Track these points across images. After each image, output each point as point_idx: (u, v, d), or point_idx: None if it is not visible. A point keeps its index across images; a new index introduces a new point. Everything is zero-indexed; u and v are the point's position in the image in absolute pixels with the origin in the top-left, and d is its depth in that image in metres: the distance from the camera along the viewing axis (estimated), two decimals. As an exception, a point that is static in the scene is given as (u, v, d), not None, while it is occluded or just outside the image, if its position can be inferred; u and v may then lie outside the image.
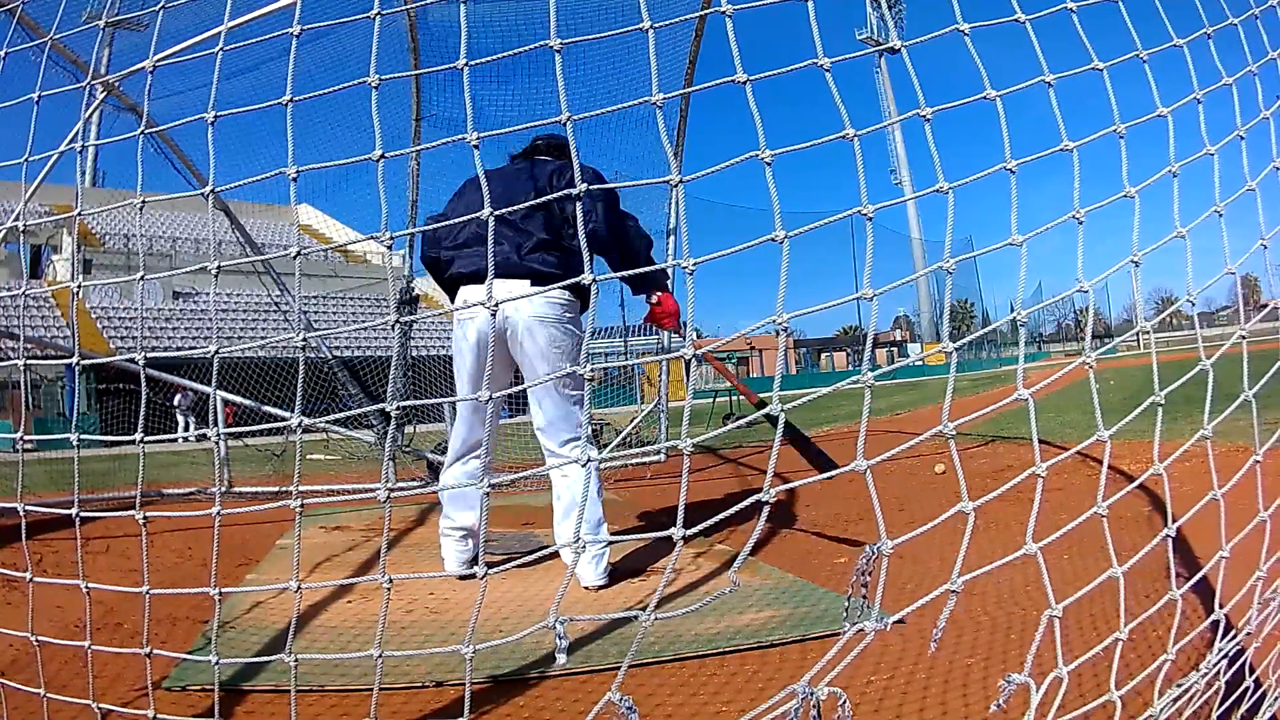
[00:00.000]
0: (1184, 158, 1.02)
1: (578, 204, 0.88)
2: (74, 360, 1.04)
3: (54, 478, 6.06)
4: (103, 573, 2.82)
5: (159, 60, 1.08)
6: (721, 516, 0.92)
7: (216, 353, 0.91)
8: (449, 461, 2.64)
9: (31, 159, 1.13)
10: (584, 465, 0.90)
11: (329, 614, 2.31)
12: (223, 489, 4.88)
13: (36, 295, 21.63)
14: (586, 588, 2.45)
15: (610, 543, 2.47)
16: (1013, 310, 0.94)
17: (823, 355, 43.68)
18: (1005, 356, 40.74)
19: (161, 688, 1.72)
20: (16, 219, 1.17)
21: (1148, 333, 1.01)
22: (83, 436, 1.08)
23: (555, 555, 2.61)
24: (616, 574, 2.55)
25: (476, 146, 0.89)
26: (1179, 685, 0.98)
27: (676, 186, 0.84)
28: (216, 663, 0.99)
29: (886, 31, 51.82)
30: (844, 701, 0.78)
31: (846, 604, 0.84)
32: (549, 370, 2.45)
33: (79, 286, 1.01)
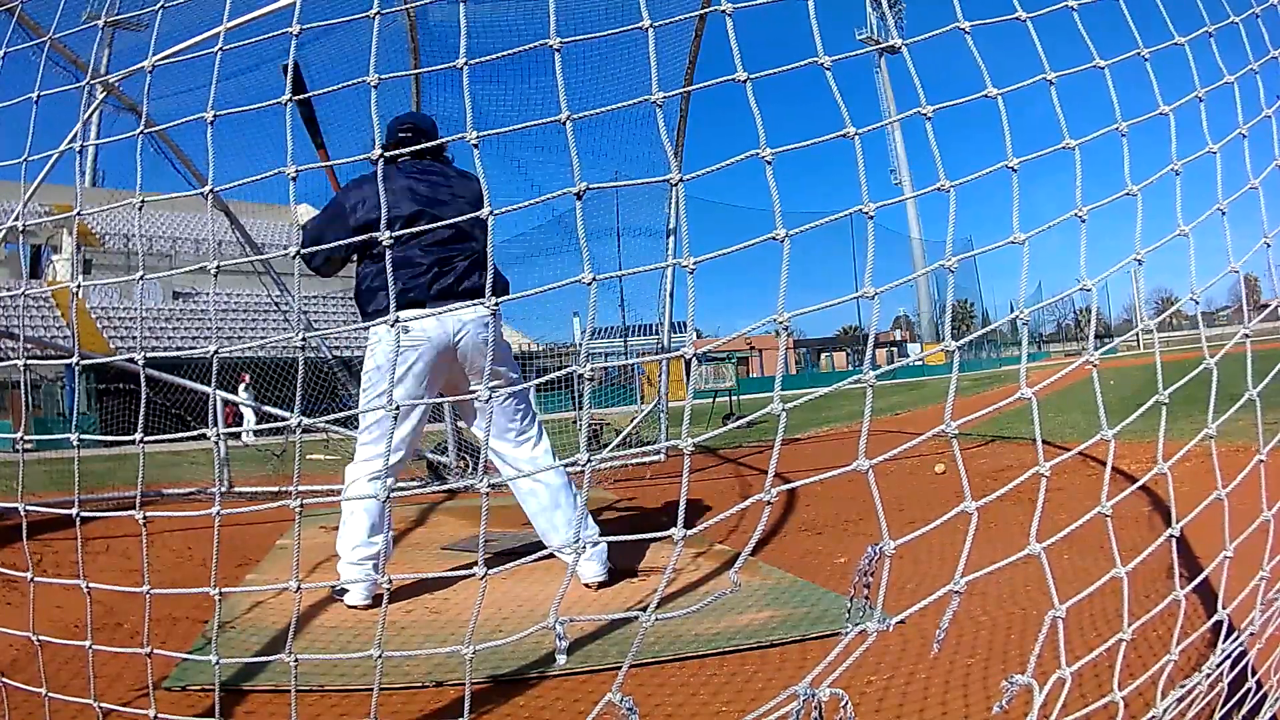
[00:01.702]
0: (1185, 156, 1.02)
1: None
2: (74, 360, 1.04)
3: (54, 478, 6.06)
4: (102, 573, 2.82)
5: (158, 60, 1.07)
6: (723, 516, 0.92)
7: (215, 353, 0.90)
8: (361, 474, 2.44)
9: (31, 159, 1.13)
10: (584, 465, 0.89)
11: (329, 614, 2.30)
12: (223, 489, 4.88)
13: (36, 295, 21.62)
14: (588, 584, 2.43)
15: (606, 541, 2.46)
16: (1013, 310, 0.93)
17: (822, 355, 43.67)
18: (1005, 356, 40.72)
19: (161, 688, 1.72)
20: (16, 219, 1.16)
21: (1150, 332, 1.01)
22: (83, 437, 1.08)
23: (555, 555, 2.59)
24: (616, 574, 2.55)
25: (476, 146, 0.89)
26: (1182, 686, 0.97)
27: (677, 185, 0.83)
28: (217, 662, 0.98)
29: (886, 31, 51.84)
30: (846, 703, 0.78)
31: (849, 605, 0.83)
32: (494, 381, 2.50)
33: (79, 286, 1.00)
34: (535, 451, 2.55)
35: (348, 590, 2.36)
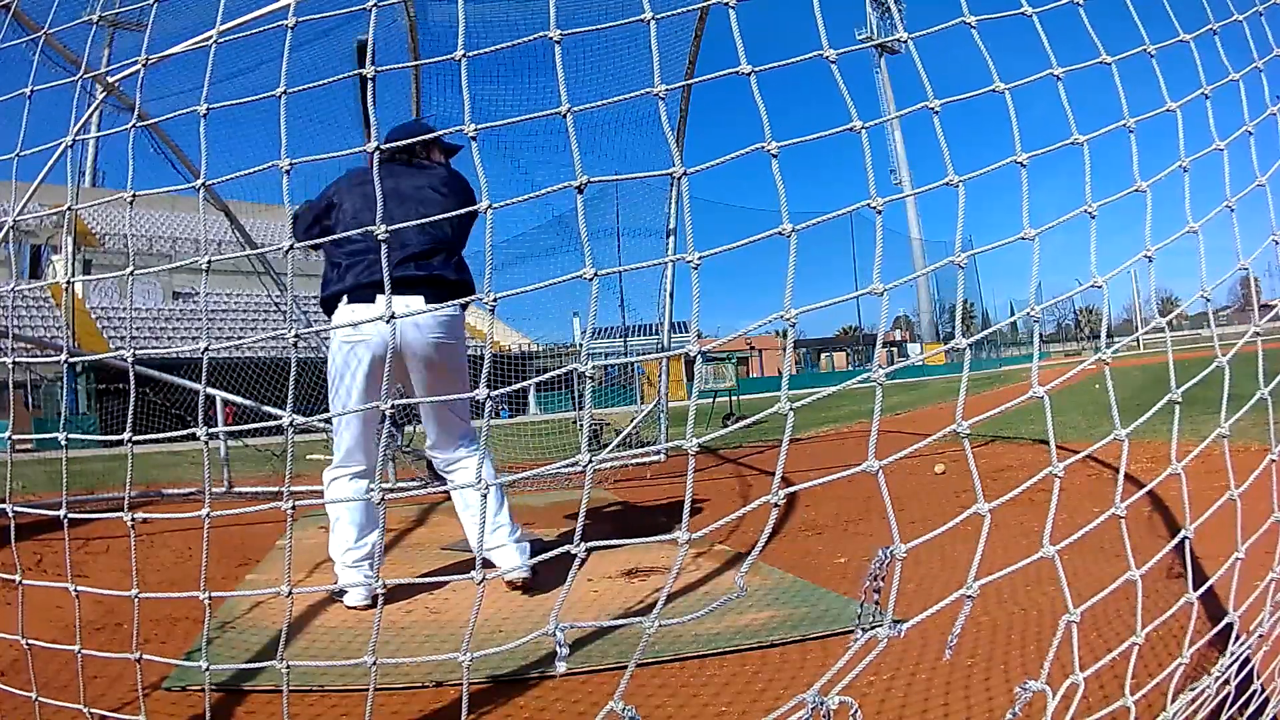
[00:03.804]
0: (1192, 154, 1.01)
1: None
2: (63, 358, 1.03)
3: (53, 478, 6.06)
4: (103, 573, 2.82)
5: (154, 59, 1.07)
6: (729, 519, 0.91)
7: (206, 349, 0.90)
8: (337, 475, 2.45)
9: (23, 154, 1.12)
10: (584, 465, 0.88)
11: (329, 614, 2.30)
12: (222, 490, 4.88)
13: (38, 295, 21.61)
14: (510, 581, 2.40)
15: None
16: (1013, 311, 0.93)
17: (822, 355, 43.69)
18: (1005, 356, 40.69)
19: (162, 688, 1.71)
20: (9, 215, 1.16)
21: (1160, 330, 1.00)
22: (74, 436, 1.07)
23: (557, 556, 2.59)
24: (618, 574, 2.54)
25: (474, 138, 0.88)
26: (1192, 689, 0.96)
27: (680, 179, 0.83)
28: (206, 669, 0.98)
29: (888, 29, 51.88)
30: (855, 711, 0.76)
31: (859, 610, 0.82)
32: (448, 388, 2.43)
33: (68, 283, 1.00)
34: (467, 456, 2.54)
35: (346, 592, 2.35)
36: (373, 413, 2.42)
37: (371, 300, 2.33)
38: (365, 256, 2.34)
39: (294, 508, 0.96)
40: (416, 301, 2.33)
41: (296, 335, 0.88)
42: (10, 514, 1.12)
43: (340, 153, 0.90)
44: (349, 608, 2.33)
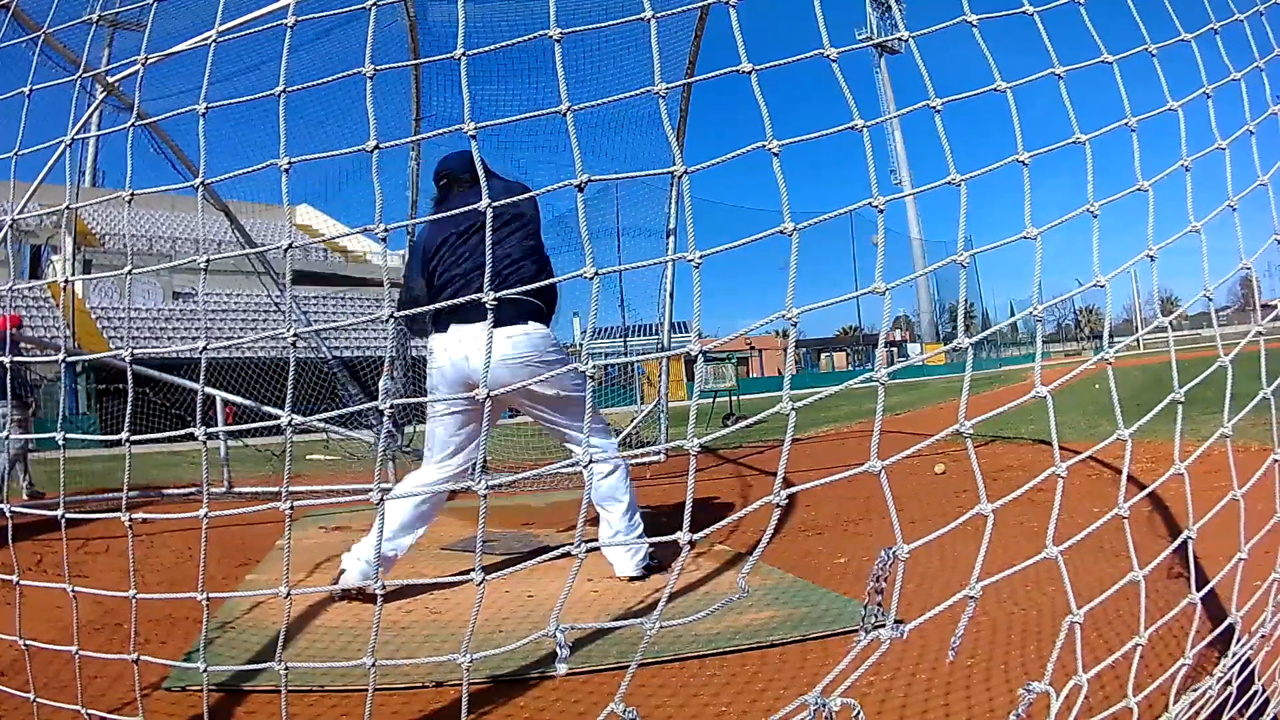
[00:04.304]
0: (1194, 153, 1.01)
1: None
2: (62, 358, 1.03)
3: (53, 478, 6.06)
4: (103, 573, 2.82)
5: (156, 58, 1.06)
6: (731, 519, 0.90)
7: (205, 349, 0.89)
8: (424, 480, 2.64)
9: (21, 153, 1.12)
10: (584, 466, 0.88)
11: (329, 614, 2.30)
12: (221, 490, 4.87)
13: (38, 295, 21.62)
14: (621, 576, 2.51)
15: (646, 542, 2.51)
16: (1013, 311, 0.92)
17: (822, 355, 43.72)
18: (1005, 356, 40.68)
19: (161, 688, 1.71)
20: (11, 216, 1.15)
21: (1163, 330, 1.00)
22: (71, 436, 1.07)
23: (557, 556, 2.61)
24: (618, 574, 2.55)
25: (474, 137, 0.88)
26: (1194, 690, 0.96)
27: (680, 178, 0.82)
28: (205, 670, 0.97)
29: (889, 28, 51.88)
30: (858, 713, 0.76)
31: (862, 611, 0.81)
32: (555, 404, 2.55)
33: (66, 281, 1.00)
34: (599, 449, 2.67)
35: (346, 570, 2.40)
36: (455, 423, 2.60)
37: (445, 329, 2.50)
38: (444, 290, 2.54)
39: (293, 508, 0.95)
40: (475, 330, 2.43)
41: (296, 335, 0.88)
42: (9, 514, 1.12)
43: (340, 151, 0.90)
44: (339, 589, 2.34)
